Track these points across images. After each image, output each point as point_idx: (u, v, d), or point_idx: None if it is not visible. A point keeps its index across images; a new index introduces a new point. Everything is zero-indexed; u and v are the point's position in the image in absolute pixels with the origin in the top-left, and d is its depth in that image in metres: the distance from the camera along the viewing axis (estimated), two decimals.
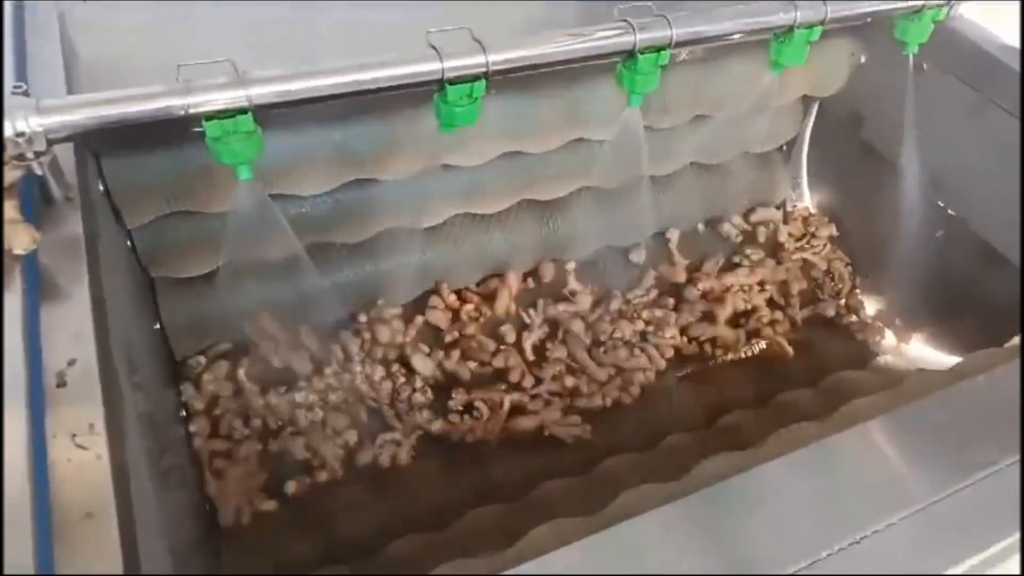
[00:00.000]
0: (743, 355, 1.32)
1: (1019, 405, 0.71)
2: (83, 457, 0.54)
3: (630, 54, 0.88)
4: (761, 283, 1.37)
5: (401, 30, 0.99)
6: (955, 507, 0.64)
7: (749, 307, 1.34)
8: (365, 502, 1.04)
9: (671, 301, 1.31)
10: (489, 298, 1.24)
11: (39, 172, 0.68)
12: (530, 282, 1.28)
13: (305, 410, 1.06)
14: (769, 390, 1.25)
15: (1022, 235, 1.11)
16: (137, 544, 0.54)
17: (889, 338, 1.36)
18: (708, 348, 1.31)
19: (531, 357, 1.20)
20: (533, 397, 1.16)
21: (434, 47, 0.78)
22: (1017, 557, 0.62)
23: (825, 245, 1.44)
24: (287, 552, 0.98)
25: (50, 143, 0.67)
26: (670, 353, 1.27)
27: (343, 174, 0.99)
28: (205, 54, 0.72)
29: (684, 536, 0.60)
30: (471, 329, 1.18)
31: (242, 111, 0.72)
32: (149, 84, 0.71)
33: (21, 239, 0.64)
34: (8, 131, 0.64)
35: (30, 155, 0.66)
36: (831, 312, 1.39)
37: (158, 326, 1.03)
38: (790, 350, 1.30)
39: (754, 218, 1.44)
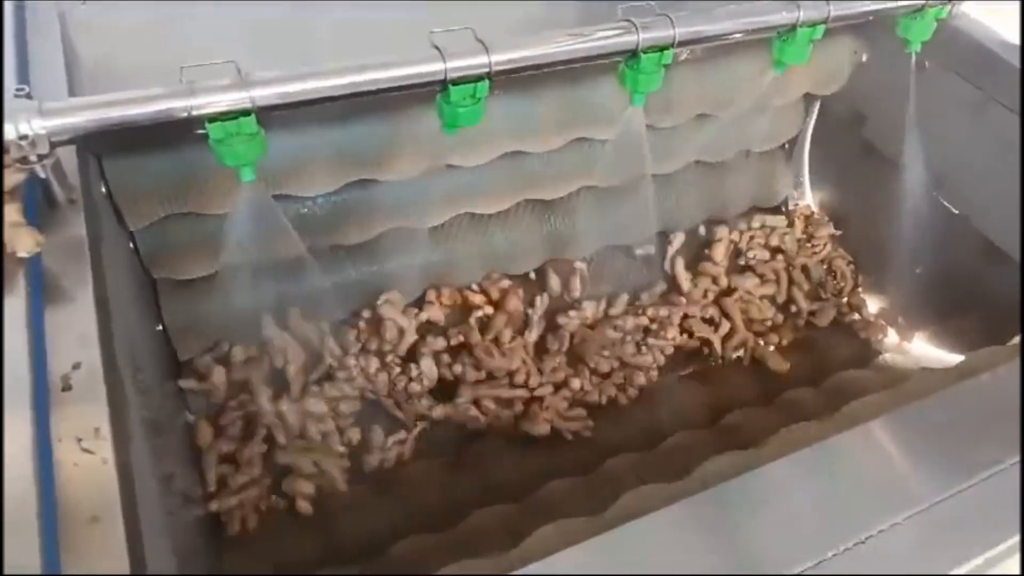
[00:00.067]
0: (745, 355, 1.31)
1: (1019, 405, 0.71)
2: (89, 461, 0.54)
3: (633, 54, 0.88)
4: (763, 282, 1.37)
5: (401, 30, 0.99)
6: (960, 506, 0.64)
7: (751, 306, 1.34)
8: (368, 503, 1.04)
9: (677, 300, 1.31)
10: (491, 301, 1.23)
11: (42, 175, 0.68)
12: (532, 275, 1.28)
13: (310, 411, 1.05)
14: (772, 389, 1.25)
15: (1022, 234, 1.11)
16: (143, 547, 0.54)
17: (892, 336, 1.36)
18: (710, 347, 1.31)
19: (532, 353, 1.21)
20: (536, 398, 1.16)
21: (437, 47, 0.78)
22: (1018, 557, 0.62)
23: (827, 244, 1.44)
24: (290, 553, 0.98)
25: (53, 146, 0.67)
26: (670, 351, 1.27)
27: (345, 175, 0.99)
28: (206, 54, 0.72)
29: (689, 536, 0.60)
30: (475, 336, 1.18)
31: (245, 113, 0.72)
32: (150, 84, 0.71)
33: (25, 242, 0.64)
34: (11, 134, 0.63)
35: (33, 158, 0.65)
36: (833, 311, 1.39)
37: (160, 328, 1.03)
38: (786, 365, 1.30)
39: (755, 217, 1.44)
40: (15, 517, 0.49)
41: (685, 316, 1.30)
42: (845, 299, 1.41)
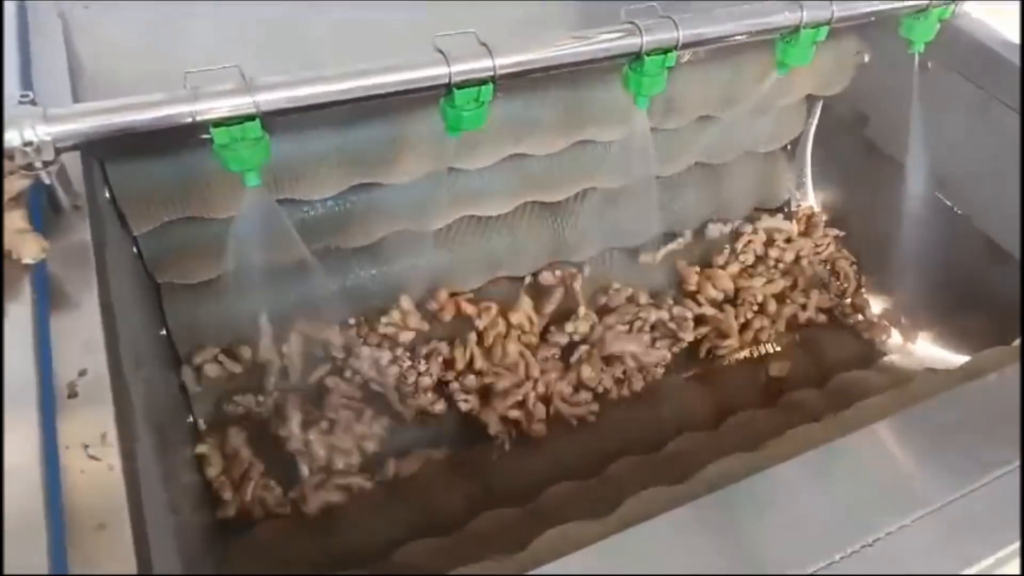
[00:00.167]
0: (749, 356, 1.31)
1: (1019, 408, 0.71)
2: (96, 468, 0.54)
3: (637, 56, 0.87)
4: (765, 283, 1.36)
5: (402, 30, 0.99)
6: (969, 508, 0.63)
7: (755, 307, 1.34)
8: (373, 506, 1.04)
9: (680, 301, 1.31)
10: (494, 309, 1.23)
11: (47, 181, 0.68)
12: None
13: (337, 446, 1.05)
14: (776, 391, 1.25)
15: (1022, 234, 1.11)
16: (150, 553, 0.54)
17: (895, 337, 1.36)
18: (713, 349, 1.31)
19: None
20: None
21: (441, 51, 0.78)
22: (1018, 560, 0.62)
23: (829, 244, 1.44)
24: (295, 556, 0.97)
25: (58, 152, 0.67)
26: (672, 353, 1.27)
27: (349, 178, 0.99)
28: (207, 54, 0.72)
29: (696, 539, 0.60)
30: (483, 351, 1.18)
31: (250, 118, 0.72)
32: (152, 86, 0.71)
33: (30, 248, 0.64)
34: (16, 141, 0.63)
35: (38, 164, 0.65)
36: (837, 311, 1.39)
37: (164, 332, 1.03)
38: (785, 372, 1.30)
39: (758, 218, 1.44)
40: (23, 524, 0.49)
41: (687, 317, 1.29)
42: (848, 300, 1.41)
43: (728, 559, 0.59)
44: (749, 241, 1.39)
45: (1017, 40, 1.09)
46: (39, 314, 0.62)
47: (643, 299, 1.29)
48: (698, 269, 1.36)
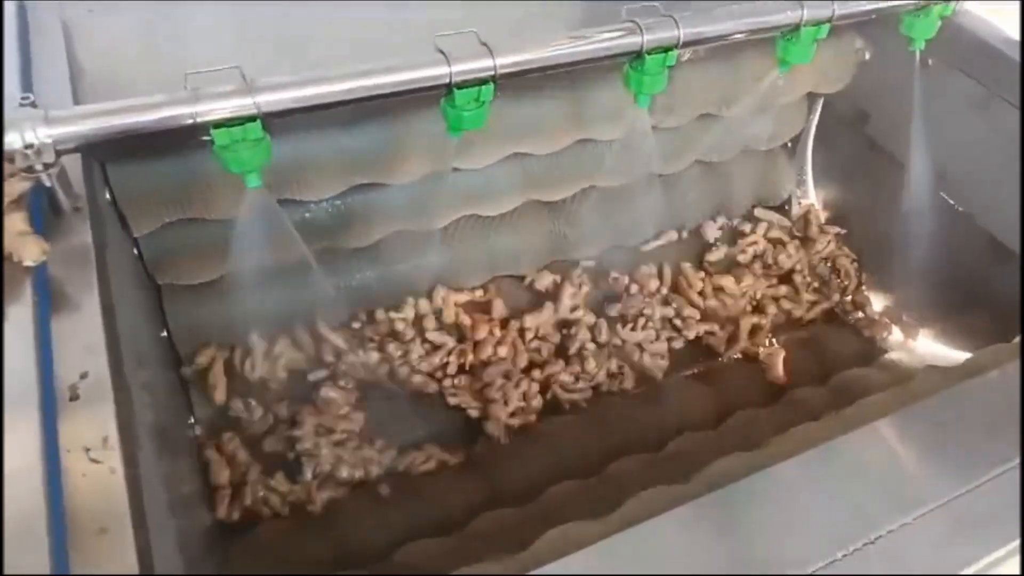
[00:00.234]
0: (750, 354, 1.31)
1: (1019, 406, 0.71)
2: (97, 471, 0.54)
3: (637, 55, 0.87)
4: (766, 280, 1.36)
5: (401, 29, 0.99)
6: (971, 505, 0.64)
7: (755, 305, 1.34)
8: (373, 506, 1.04)
9: (681, 299, 1.31)
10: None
11: (48, 183, 0.68)
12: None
13: (345, 459, 1.06)
14: (776, 389, 1.25)
15: (1022, 232, 1.11)
16: (152, 557, 0.54)
17: (896, 334, 1.36)
18: (714, 347, 1.31)
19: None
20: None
21: (442, 51, 0.78)
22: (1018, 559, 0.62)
23: (830, 242, 1.44)
24: (296, 557, 0.97)
25: (59, 154, 0.67)
26: (673, 349, 1.28)
27: (349, 179, 0.99)
28: (208, 56, 0.72)
29: (699, 538, 0.60)
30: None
31: (251, 119, 0.72)
32: (153, 87, 0.71)
33: (31, 251, 0.64)
34: (17, 143, 0.63)
35: (39, 167, 0.65)
36: (838, 309, 1.39)
37: (165, 333, 1.03)
38: (783, 375, 1.30)
39: (759, 215, 1.44)
40: (25, 528, 0.49)
41: (688, 315, 1.29)
42: (849, 297, 1.41)
43: (729, 558, 0.59)
44: (750, 239, 1.39)
45: (1018, 37, 1.09)
46: (40, 316, 0.62)
47: (644, 296, 1.29)
48: (699, 267, 1.36)
